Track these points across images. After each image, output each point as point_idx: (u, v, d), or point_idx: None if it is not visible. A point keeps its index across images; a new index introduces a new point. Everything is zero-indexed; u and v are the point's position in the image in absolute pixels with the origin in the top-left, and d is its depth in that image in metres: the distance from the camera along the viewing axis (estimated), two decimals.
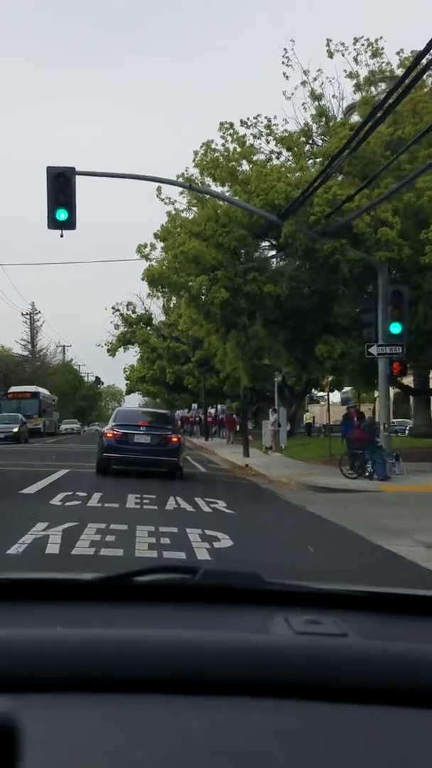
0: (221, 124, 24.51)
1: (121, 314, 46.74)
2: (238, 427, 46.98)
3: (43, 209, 17.36)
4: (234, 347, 22.41)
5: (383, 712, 1.13)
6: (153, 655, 1.19)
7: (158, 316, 48.54)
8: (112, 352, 46.36)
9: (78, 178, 18.10)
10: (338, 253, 19.45)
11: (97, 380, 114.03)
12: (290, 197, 19.78)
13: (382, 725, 1.10)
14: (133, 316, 46.80)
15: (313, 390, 48.80)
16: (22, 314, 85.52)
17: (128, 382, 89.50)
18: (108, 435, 17.81)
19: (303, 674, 1.16)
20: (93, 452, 22.31)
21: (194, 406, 55.86)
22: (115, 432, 17.68)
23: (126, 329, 46.62)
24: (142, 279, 21.10)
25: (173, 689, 1.13)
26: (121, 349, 46.49)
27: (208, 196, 21.61)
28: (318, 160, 21.54)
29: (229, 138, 24.00)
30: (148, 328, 46.07)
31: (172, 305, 47.61)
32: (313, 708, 1.12)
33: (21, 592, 1.62)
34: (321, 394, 51.49)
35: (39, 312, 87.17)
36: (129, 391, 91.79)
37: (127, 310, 46.83)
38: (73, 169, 18.82)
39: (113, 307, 46.70)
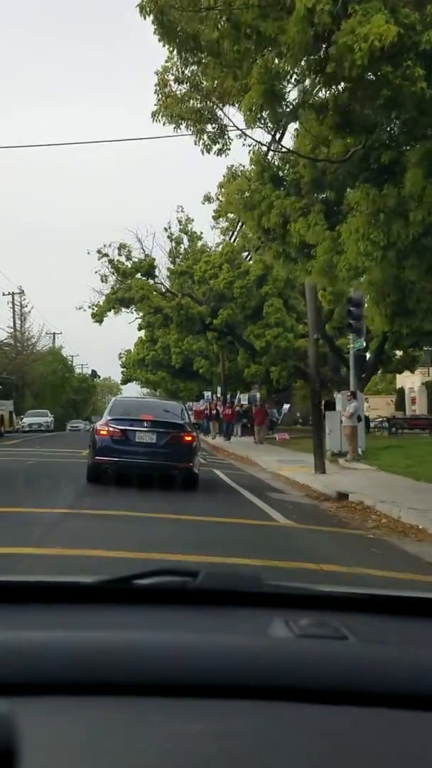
0: None
1: (111, 261, 33.24)
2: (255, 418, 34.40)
3: None
4: (363, 227, 9.17)
5: (383, 715, 1.13)
6: (154, 659, 1.18)
7: (163, 264, 34.98)
8: (98, 317, 32.70)
9: None
10: None
11: (94, 374, 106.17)
12: None
13: (382, 728, 1.10)
14: (128, 264, 33.40)
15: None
16: (3, 294, 72.92)
17: (124, 369, 76.74)
18: (101, 432, 13.77)
19: (304, 677, 1.17)
20: (61, 470, 16.83)
21: (207, 395, 42.06)
22: (110, 428, 13.67)
23: (118, 283, 33.12)
24: (142, 14, 7.81)
25: (174, 692, 1.13)
26: (110, 313, 32.83)
27: None
28: None
29: None
30: (150, 280, 32.57)
31: (182, 249, 34.11)
32: (314, 711, 1.13)
33: (21, 594, 1.59)
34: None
35: (22, 292, 76.18)
36: (125, 381, 78.78)
37: (120, 255, 33.39)
38: None
39: (99, 251, 33.18)
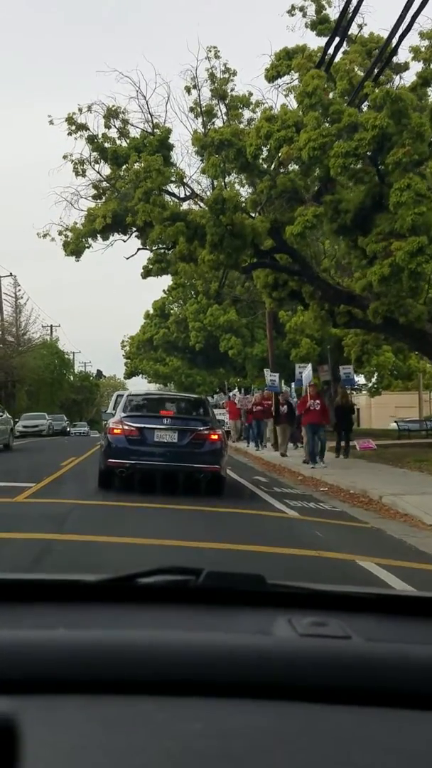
0: None
1: (92, 138, 18.77)
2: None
3: None
4: None
5: (387, 715, 1.12)
6: (156, 657, 1.18)
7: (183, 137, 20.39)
8: (72, 246, 18.51)
9: None
10: None
11: (99, 374, 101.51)
12: None
13: (385, 727, 1.09)
14: (123, 143, 19.12)
15: None
16: None
17: (128, 360, 63.15)
18: (115, 431, 12.89)
19: (306, 676, 1.16)
20: None
21: (273, 379, 26.46)
22: (125, 427, 12.80)
23: (109, 190, 18.70)
24: None
25: (176, 691, 1.13)
26: (95, 242, 18.49)
27: None
28: None
29: None
30: (164, 166, 17.76)
31: (216, 126, 19.88)
32: (317, 710, 1.12)
33: (23, 593, 1.58)
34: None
35: (11, 275, 64.18)
36: (130, 374, 64.96)
37: (106, 127, 18.76)
38: None
39: (71, 119, 18.19)
